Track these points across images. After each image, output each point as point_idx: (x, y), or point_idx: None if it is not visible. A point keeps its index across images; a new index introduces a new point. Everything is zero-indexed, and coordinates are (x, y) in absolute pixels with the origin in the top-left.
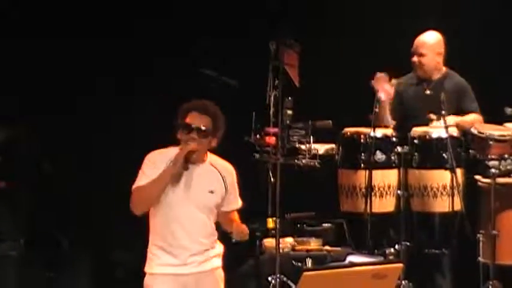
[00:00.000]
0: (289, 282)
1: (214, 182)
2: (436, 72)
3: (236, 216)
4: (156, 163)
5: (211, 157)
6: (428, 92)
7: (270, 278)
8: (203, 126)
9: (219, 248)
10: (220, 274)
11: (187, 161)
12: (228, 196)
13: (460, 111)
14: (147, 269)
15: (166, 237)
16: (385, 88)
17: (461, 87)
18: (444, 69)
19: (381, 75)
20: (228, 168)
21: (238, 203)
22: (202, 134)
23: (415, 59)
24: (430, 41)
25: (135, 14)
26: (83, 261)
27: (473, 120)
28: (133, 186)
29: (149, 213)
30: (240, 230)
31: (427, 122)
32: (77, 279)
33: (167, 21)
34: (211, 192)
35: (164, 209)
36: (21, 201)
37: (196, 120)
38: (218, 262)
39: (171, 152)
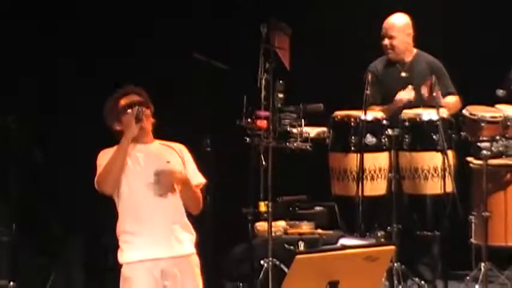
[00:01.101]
0: (281, 265)
1: (168, 154)
2: (408, 54)
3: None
4: (106, 153)
5: (160, 140)
6: (403, 74)
7: (262, 262)
8: (140, 98)
9: (191, 232)
10: (196, 261)
11: (139, 120)
12: (189, 171)
13: None
14: (122, 259)
15: (135, 221)
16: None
17: (436, 67)
18: (415, 50)
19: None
20: (178, 145)
21: (200, 178)
22: (143, 105)
23: (385, 41)
24: (399, 23)
25: None
26: (75, 247)
27: (454, 102)
28: (96, 178)
29: (115, 205)
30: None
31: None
32: (69, 264)
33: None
34: (168, 162)
35: (126, 192)
36: (13, 187)
37: (130, 98)
38: (192, 248)
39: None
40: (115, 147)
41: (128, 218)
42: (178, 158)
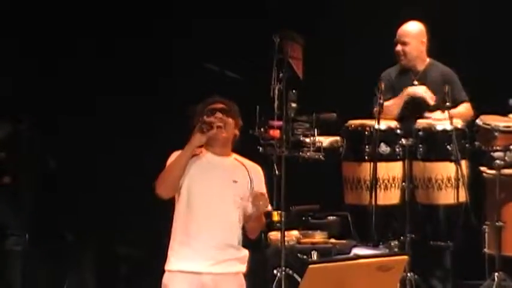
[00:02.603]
0: (294, 275)
1: (238, 173)
2: (420, 62)
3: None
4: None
5: (237, 156)
6: (416, 82)
7: (275, 271)
8: (224, 105)
9: (244, 252)
10: (242, 280)
11: (202, 130)
12: None
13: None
14: (166, 266)
15: (188, 230)
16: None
17: (449, 77)
18: (428, 59)
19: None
20: (255, 167)
21: (268, 205)
22: (226, 113)
23: (398, 48)
24: (413, 30)
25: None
26: (87, 256)
27: (465, 112)
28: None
29: (174, 213)
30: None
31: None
32: (81, 273)
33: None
34: (235, 182)
35: (184, 199)
36: (26, 196)
37: (215, 103)
38: (241, 267)
39: (197, 149)
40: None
41: (181, 226)
42: (247, 178)
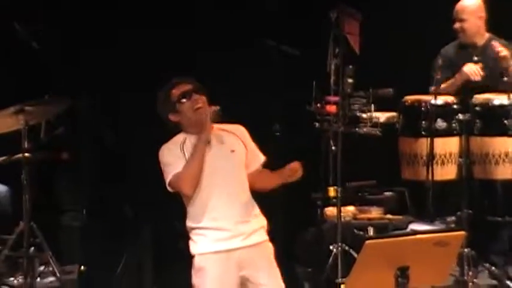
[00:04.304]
0: (350, 250)
1: (230, 142)
2: (479, 37)
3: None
4: (170, 150)
5: (216, 125)
6: (475, 58)
7: (331, 247)
8: (193, 85)
9: (263, 220)
10: (270, 247)
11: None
12: (250, 152)
13: None
14: (194, 250)
15: (208, 213)
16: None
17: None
18: (487, 34)
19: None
20: (238, 128)
21: (261, 156)
22: (200, 91)
23: (457, 25)
24: (470, 5)
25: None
26: (146, 231)
27: None
28: (170, 178)
29: (183, 199)
30: (289, 169)
31: (479, 88)
32: (139, 248)
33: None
34: (232, 151)
35: (206, 185)
36: (84, 172)
37: (183, 86)
38: (265, 235)
39: (174, 140)
40: (176, 141)
41: (200, 211)
42: (240, 143)
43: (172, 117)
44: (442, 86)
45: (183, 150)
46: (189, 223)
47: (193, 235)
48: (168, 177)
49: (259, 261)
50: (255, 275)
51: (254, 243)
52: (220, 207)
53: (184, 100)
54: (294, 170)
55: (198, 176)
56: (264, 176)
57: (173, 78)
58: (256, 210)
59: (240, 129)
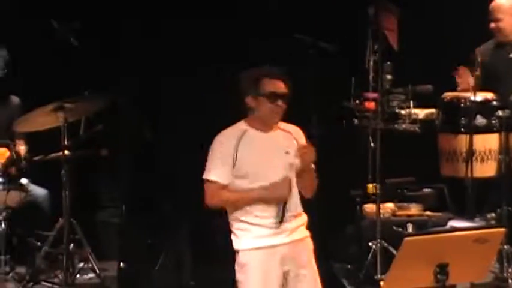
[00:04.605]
0: (390, 247)
1: (287, 143)
2: None
3: None
4: (222, 145)
5: (280, 123)
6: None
7: (370, 244)
8: (286, 90)
9: (304, 216)
10: (311, 243)
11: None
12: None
13: None
14: (238, 246)
15: (254, 209)
16: (467, 81)
17: None
18: None
19: (463, 69)
20: (297, 131)
21: (313, 156)
22: (286, 100)
23: (492, 25)
24: (505, 4)
25: None
26: (184, 227)
27: None
28: (205, 177)
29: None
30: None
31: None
32: (177, 245)
33: None
34: (287, 153)
35: (246, 180)
36: (123, 169)
37: (280, 87)
38: (306, 231)
39: (234, 128)
40: (234, 132)
41: (245, 207)
42: (295, 146)
43: (249, 101)
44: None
45: (237, 147)
46: (232, 214)
47: (236, 230)
48: (205, 175)
49: (300, 256)
50: (296, 270)
51: (297, 239)
52: (267, 205)
53: (271, 99)
54: (302, 148)
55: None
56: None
57: (271, 66)
58: (300, 208)
59: (299, 133)
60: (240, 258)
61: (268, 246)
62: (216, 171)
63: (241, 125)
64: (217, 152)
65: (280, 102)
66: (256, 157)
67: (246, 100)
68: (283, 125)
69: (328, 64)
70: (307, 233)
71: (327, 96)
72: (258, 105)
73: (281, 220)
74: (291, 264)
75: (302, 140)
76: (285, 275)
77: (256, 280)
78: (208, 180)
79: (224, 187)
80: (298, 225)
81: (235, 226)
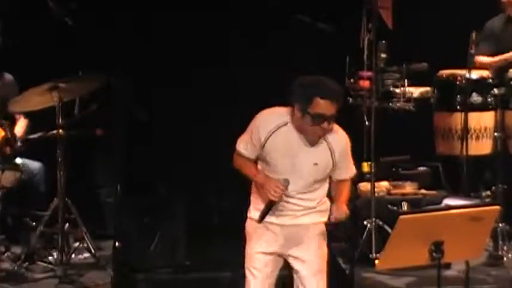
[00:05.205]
0: (384, 226)
1: (321, 155)
2: None
3: (346, 189)
4: (258, 127)
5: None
6: None
7: (365, 222)
8: (335, 112)
9: (325, 205)
10: (323, 228)
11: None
12: (337, 168)
13: None
14: (249, 213)
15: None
16: None
17: None
18: None
19: None
20: (338, 139)
21: (349, 173)
22: (333, 121)
23: None
24: None
25: None
26: (179, 208)
27: None
28: (237, 144)
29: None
30: (339, 212)
31: None
32: (173, 224)
33: None
34: (316, 164)
35: (267, 167)
36: (118, 149)
37: (329, 109)
38: (323, 218)
39: (279, 115)
40: (277, 118)
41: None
42: (329, 159)
43: (296, 109)
44: (487, 59)
45: (269, 136)
46: (254, 185)
47: (253, 194)
48: (238, 141)
49: (303, 240)
50: (297, 253)
51: (304, 223)
52: (285, 201)
53: (316, 121)
54: (342, 216)
55: None
56: (337, 189)
57: (325, 85)
58: (319, 200)
59: (338, 139)
60: (247, 225)
61: (274, 223)
62: (243, 145)
63: (286, 116)
64: (253, 128)
65: (325, 125)
66: (282, 154)
67: (294, 104)
68: (330, 135)
69: (324, 43)
70: (319, 219)
71: (322, 74)
72: (303, 120)
73: (262, 217)
74: (291, 246)
75: (340, 146)
76: (284, 256)
77: (254, 245)
78: (236, 150)
79: (247, 158)
80: (309, 212)
81: (253, 197)
